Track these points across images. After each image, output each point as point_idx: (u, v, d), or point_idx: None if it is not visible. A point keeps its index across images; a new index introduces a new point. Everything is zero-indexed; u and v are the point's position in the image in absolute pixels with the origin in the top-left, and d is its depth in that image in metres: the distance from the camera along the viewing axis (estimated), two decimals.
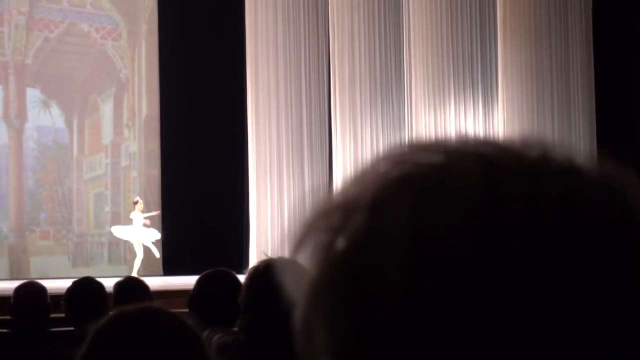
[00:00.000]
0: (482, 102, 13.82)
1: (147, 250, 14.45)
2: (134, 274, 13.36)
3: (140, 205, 14.31)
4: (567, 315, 0.51)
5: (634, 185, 0.55)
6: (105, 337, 1.56)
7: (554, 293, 0.51)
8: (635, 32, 13.71)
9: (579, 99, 13.97)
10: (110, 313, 1.63)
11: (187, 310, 3.63)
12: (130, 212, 14.81)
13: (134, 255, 14.56)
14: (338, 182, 0.60)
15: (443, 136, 0.57)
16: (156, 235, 14.44)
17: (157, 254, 14.57)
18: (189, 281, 7.09)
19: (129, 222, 14.54)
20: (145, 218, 14.44)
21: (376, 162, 0.57)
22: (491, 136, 0.58)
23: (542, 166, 0.54)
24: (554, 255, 0.51)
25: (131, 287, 4.68)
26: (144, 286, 4.75)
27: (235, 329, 3.16)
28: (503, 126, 13.84)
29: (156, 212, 14.87)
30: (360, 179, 0.57)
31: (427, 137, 0.60)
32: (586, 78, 13.98)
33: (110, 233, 15.40)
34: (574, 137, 13.84)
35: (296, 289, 0.57)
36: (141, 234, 14.26)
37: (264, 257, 2.66)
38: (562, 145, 0.56)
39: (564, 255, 0.51)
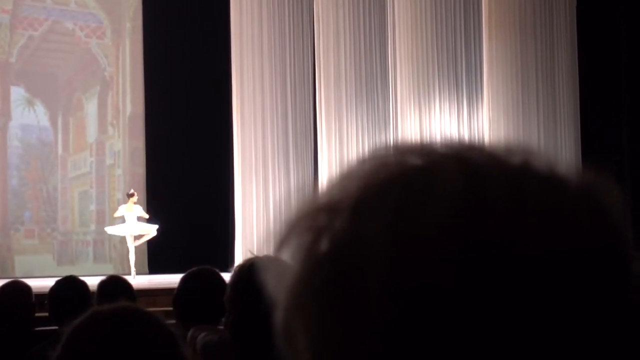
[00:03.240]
0: (467, 100, 13.85)
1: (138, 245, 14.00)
2: (133, 271, 13.20)
3: (135, 198, 13.63)
4: (546, 317, 0.52)
5: (613, 193, 0.56)
6: (80, 337, 1.56)
7: (534, 295, 0.52)
8: (620, 29, 13.77)
9: (564, 97, 14.02)
10: (85, 313, 1.62)
11: (171, 308, 3.63)
12: (116, 209, 14.52)
13: (119, 254, 14.40)
14: (323, 180, 0.61)
15: (428, 138, 0.58)
16: (153, 230, 13.89)
17: (153, 232, 13.92)
18: (174, 279, 7.06)
19: (114, 221, 14.14)
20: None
21: (361, 162, 0.57)
22: (475, 140, 0.58)
23: (524, 173, 0.55)
24: (534, 259, 0.52)
25: (113, 286, 4.65)
26: (126, 285, 4.73)
27: (221, 327, 3.15)
28: (488, 124, 13.88)
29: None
30: (344, 180, 0.57)
31: (412, 138, 0.60)
32: (571, 76, 14.04)
33: (95, 231, 15.29)
34: (559, 135, 13.90)
35: (278, 288, 0.58)
36: (138, 227, 13.66)
37: (249, 256, 2.66)
38: (544, 153, 0.56)
39: (543, 259, 0.52)
